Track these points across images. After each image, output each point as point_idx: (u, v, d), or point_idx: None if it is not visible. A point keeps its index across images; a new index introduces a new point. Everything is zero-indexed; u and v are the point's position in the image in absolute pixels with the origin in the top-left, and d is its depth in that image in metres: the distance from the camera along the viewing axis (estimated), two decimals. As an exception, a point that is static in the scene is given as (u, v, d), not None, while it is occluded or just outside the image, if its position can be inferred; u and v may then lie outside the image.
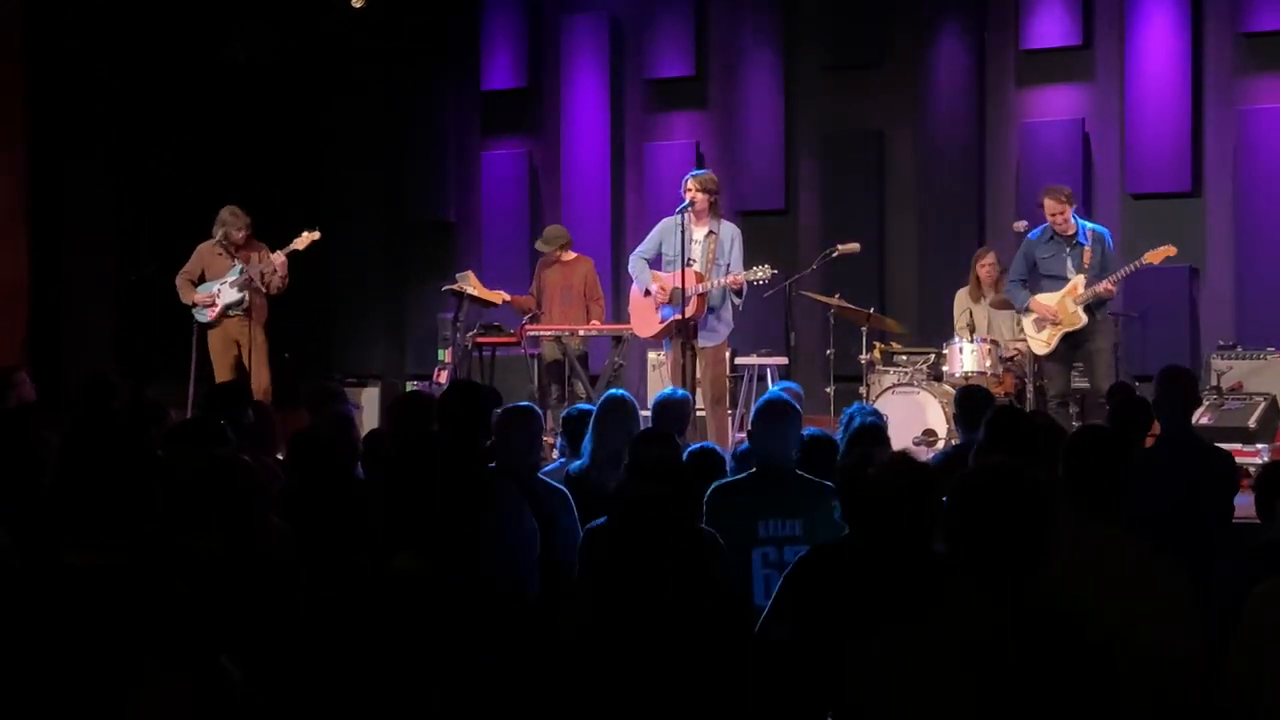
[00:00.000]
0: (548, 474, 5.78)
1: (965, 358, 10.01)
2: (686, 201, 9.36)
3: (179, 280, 10.61)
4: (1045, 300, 9.45)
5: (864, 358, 10.41)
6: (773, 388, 7.43)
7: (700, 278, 9.35)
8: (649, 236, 9.69)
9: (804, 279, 10.65)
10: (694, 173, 9.77)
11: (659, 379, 10.77)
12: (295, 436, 5.46)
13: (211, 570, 3.32)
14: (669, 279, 9.35)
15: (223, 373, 10.41)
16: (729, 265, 9.40)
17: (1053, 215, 9.47)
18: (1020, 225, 10.22)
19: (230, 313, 10.47)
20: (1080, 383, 10.23)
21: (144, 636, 2.81)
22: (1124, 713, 3.02)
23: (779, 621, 3.90)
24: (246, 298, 10.46)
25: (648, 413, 6.65)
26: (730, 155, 12.66)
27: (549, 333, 10.94)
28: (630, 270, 9.79)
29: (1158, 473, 5.79)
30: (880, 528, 3.85)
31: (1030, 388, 9.88)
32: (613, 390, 6.12)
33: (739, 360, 10.89)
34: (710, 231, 9.47)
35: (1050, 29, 11.71)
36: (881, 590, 3.74)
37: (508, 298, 11.49)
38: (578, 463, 5.88)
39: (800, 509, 5.15)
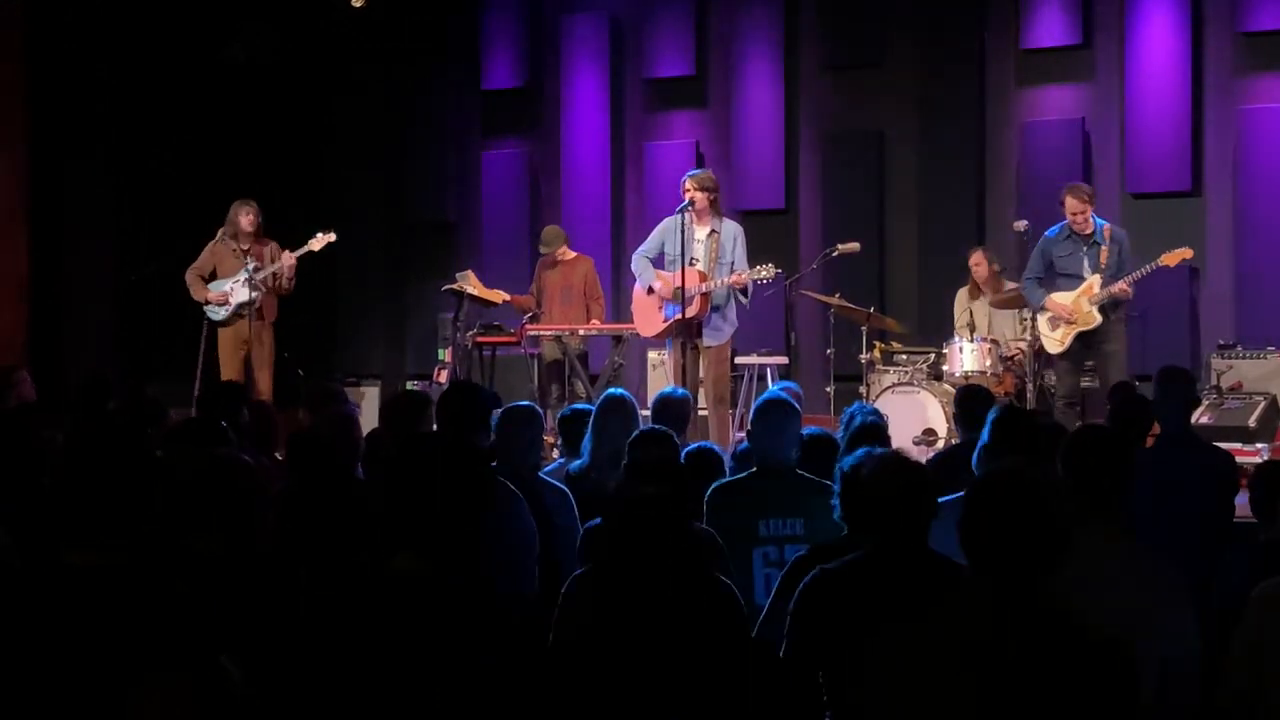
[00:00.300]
0: (548, 474, 5.78)
1: (965, 357, 10.01)
2: (686, 201, 9.37)
3: (189, 276, 10.62)
4: (1060, 299, 9.43)
5: (864, 357, 10.41)
6: (772, 387, 7.43)
7: (703, 277, 9.36)
8: (651, 236, 9.69)
9: (804, 278, 10.67)
10: (691, 172, 9.78)
11: (659, 378, 10.77)
12: (295, 436, 5.46)
13: (211, 570, 3.32)
14: (672, 278, 9.35)
15: (230, 371, 10.43)
16: (733, 264, 9.40)
17: (1073, 214, 9.45)
18: (1020, 225, 10.21)
19: (242, 311, 10.48)
20: (1087, 383, 10.23)
21: (144, 636, 2.81)
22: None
23: (777, 622, 3.90)
24: (258, 296, 10.48)
25: (648, 412, 6.65)
26: (730, 155, 12.66)
27: (549, 332, 10.95)
28: (633, 269, 9.79)
29: (1158, 472, 5.79)
30: (876, 527, 3.85)
31: (1030, 387, 9.88)
32: (612, 390, 6.11)
33: (739, 360, 10.89)
34: (713, 230, 9.47)
35: (1050, 28, 11.72)
36: (880, 589, 3.74)
37: (508, 297, 11.49)
38: (577, 462, 5.88)
39: (801, 508, 5.15)
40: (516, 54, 13.45)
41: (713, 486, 5.28)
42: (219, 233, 10.65)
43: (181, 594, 2.99)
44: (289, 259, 10.52)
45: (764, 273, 9.31)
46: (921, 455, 8.75)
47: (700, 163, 12.50)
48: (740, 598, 3.97)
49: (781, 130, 12.59)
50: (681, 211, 9.33)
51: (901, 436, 8.83)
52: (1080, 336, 9.41)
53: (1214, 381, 9.94)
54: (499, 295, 11.48)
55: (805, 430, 5.74)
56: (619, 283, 12.33)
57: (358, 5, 12.29)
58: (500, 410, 5.64)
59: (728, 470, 5.72)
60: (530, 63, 13.44)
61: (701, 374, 9.48)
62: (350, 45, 13.44)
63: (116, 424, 6.08)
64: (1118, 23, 11.51)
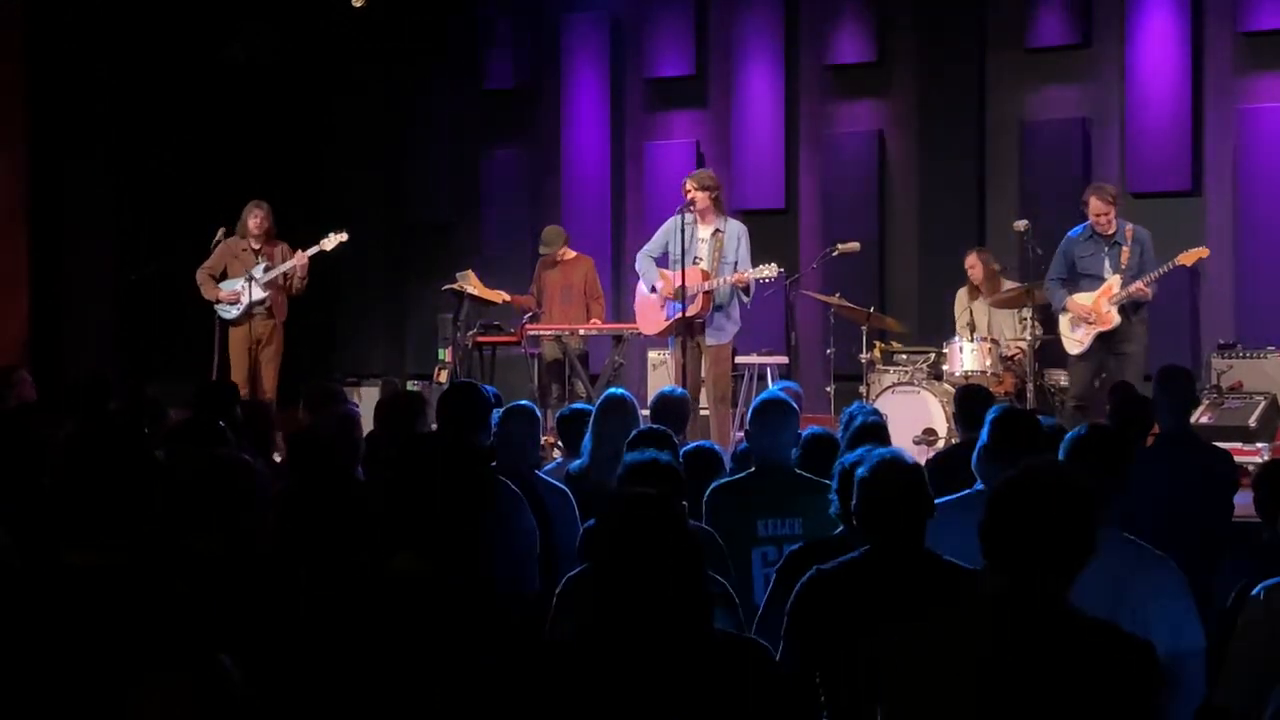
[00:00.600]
0: (547, 474, 5.78)
1: (965, 357, 10.02)
2: (686, 201, 9.39)
3: (200, 275, 10.66)
4: (1081, 300, 9.43)
5: (864, 357, 10.41)
6: (772, 387, 7.43)
7: (706, 275, 9.37)
8: (656, 235, 9.71)
9: (804, 278, 10.67)
10: (691, 174, 9.80)
11: (659, 378, 10.78)
12: (295, 436, 5.45)
13: (211, 570, 3.32)
14: (675, 277, 9.36)
15: (239, 370, 10.50)
16: (736, 263, 9.41)
17: (1097, 215, 9.44)
18: (1020, 225, 10.20)
19: (255, 311, 10.51)
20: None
21: (144, 636, 2.81)
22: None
23: (774, 622, 3.89)
24: (270, 296, 10.52)
25: (648, 412, 6.65)
26: (730, 155, 12.66)
27: (549, 332, 10.95)
28: (637, 268, 9.81)
29: (1157, 472, 5.79)
30: (873, 527, 3.85)
31: (1030, 387, 9.88)
32: (612, 389, 6.11)
33: (739, 359, 10.88)
34: (716, 230, 9.48)
35: (1051, 28, 11.71)
36: (877, 590, 3.74)
37: (508, 297, 11.49)
38: (578, 462, 5.88)
39: (800, 508, 5.15)
40: (516, 54, 13.45)
41: (711, 486, 5.28)
42: (219, 233, 10.66)
43: (181, 594, 2.99)
44: (301, 258, 10.56)
45: (766, 272, 9.32)
46: (921, 455, 8.76)
47: (701, 163, 12.51)
48: (735, 597, 3.98)
49: (781, 130, 12.59)
50: (681, 211, 9.34)
51: (901, 436, 8.83)
52: (1100, 337, 9.41)
53: (1214, 381, 9.94)
54: (499, 295, 11.48)
55: (806, 430, 5.74)
56: (619, 283, 12.33)
57: (358, 5, 12.29)
58: (500, 410, 5.64)
59: (727, 470, 5.72)
60: (530, 63, 13.44)
61: (703, 373, 9.49)
62: (350, 45, 13.44)
63: (116, 424, 6.08)
64: (1118, 23, 11.51)
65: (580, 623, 3.08)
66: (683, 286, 9.22)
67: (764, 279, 9.37)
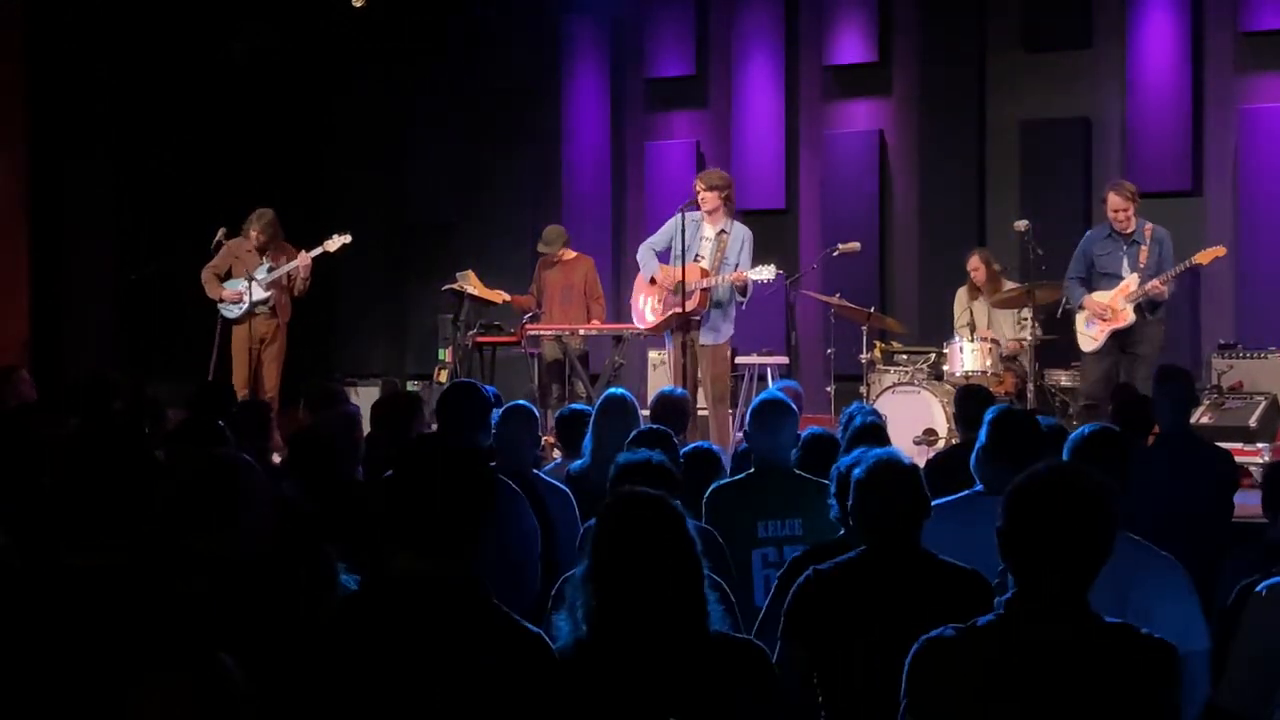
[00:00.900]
0: (547, 474, 5.78)
1: (966, 357, 10.02)
2: (692, 199, 9.42)
3: (205, 275, 10.70)
4: (1098, 297, 9.44)
5: (864, 357, 10.41)
6: (771, 386, 7.43)
7: (706, 273, 9.37)
8: (662, 229, 9.73)
9: (805, 278, 10.67)
10: (701, 173, 9.83)
11: (659, 378, 10.78)
12: (295, 436, 5.45)
13: (211, 570, 3.31)
14: (675, 272, 9.38)
15: (241, 369, 10.55)
16: (737, 265, 9.42)
17: (1115, 211, 9.43)
18: (1021, 225, 10.21)
19: (257, 310, 10.53)
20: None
21: (144, 636, 2.81)
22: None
23: (775, 626, 3.89)
24: (273, 296, 10.55)
25: (648, 412, 6.65)
26: (730, 155, 12.66)
27: (549, 332, 10.94)
28: (638, 258, 9.83)
29: (1157, 472, 5.79)
30: (869, 527, 3.85)
31: (1031, 387, 9.88)
32: (613, 390, 6.11)
33: (740, 359, 10.89)
34: (722, 230, 9.50)
35: (1051, 29, 11.71)
36: (873, 590, 3.74)
37: (508, 297, 11.49)
38: (578, 462, 5.88)
39: (800, 508, 5.15)
40: (516, 54, 13.45)
41: (711, 487, 5.28)
42: (220, 233, 10.68)
43: (181, 594, 2.98)
44: (304, 259, 10.59)
45: (765, 274, 9.32)
46: (922, 455, 8.77)
47: (701, 162, 12.53)
48: (733, 597, 3.97)
49: (782, 130, 12.59)
50: (684, 210, 9.35)
51: (902, 436, 8.84)
52: (1114, 336, 9.41)
53: (1214, 381, 9.94)
54: (499, 295, 11.48)
55: (806, 430, 5.74)
56: (619, 282, 12.33)
57: (358, 5, 12.29)
58: (500, 409, 5.63)
59: (727, 471, 5.71)
60: (530, 63, 13.44)
61: (700, 374, 9.49)
62: (350, 45, 13.45)
63: (117, 424, 6.08)
64: (1119, 23, 11.51)
65: (577, 621, 3.07)
66: (683, 281, 9.24)
67: (762, 280, 9.37)
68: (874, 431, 5.45)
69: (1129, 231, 9.44)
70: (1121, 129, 11.52)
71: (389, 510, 2.99)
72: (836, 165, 12.45)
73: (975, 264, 10.72)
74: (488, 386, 6.74)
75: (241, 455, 3.70)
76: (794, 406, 5.52)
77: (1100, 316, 9.42)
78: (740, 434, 8.72)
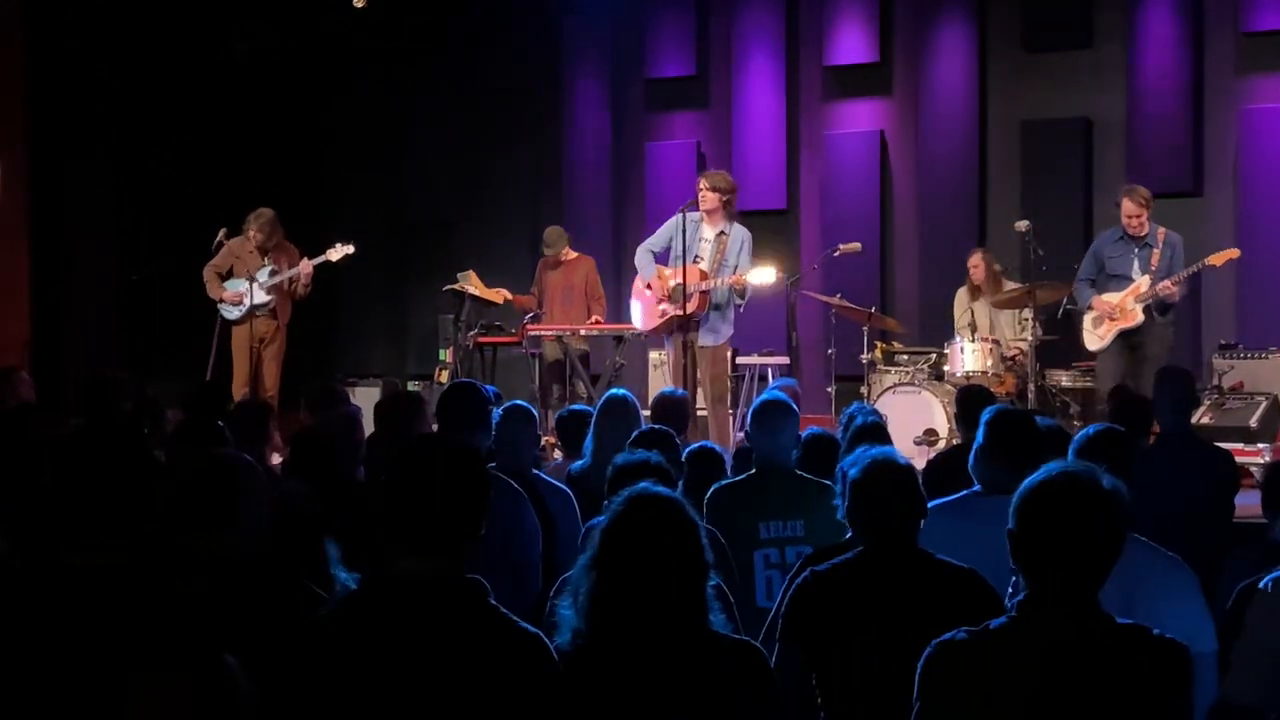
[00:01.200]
0: (548, 474, 5.78)
1: (966, 357, 10.02)
2: (694, 199, 9.41)
3: (207, 273, 10.71)
4: (1108, 297, 9.44)
5: (865, 357, 10.41)
6: (771, 386, 7.43)
7: (705, 275, 9.36)
8: (660, 230, 9.70)
9: (805, 279, 10.67)
10: (707, 172, 9.82)
11: (660, 378, 10.78)
12: (295, 436, 5.45)
13: (211, 570, 3.31)
14: (673, 274, 9.36)
15: (242, 369, 10.57)
16: (736, 267, 9.41)
17: (1129, 217, 9.43)
18: (1021, 225, 10.21)
19: (257, 312, 10.54)
20: (1084, 382, 10.23)
21: (144, 636, 2.80)
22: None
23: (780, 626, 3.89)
24: (273, 299, 10.56)
25: (648, 413, 6.64)
26: (731, 155, 12.66)
27: (550, 332, 10.94)
28: (636, 261, 9.81)
29: (1158, 472, 5.78)
30: (866, 527, 3.85)
31: (1031, 387, 9.88)
32: (614, 390, 6.11)
33: (740, 360, 10.89)
34: (722, 232, 9.49)
35: (1051, 29, 11.71)
36: (870, 590, 3.74)
37: (509, 297, 11.50)
38: (580, 463, 5.88)
39: (801, 509, 5.15)
40: (516, 54, 13.44)
41: (713, 488, 5.28)
42: (221, 233, 10.68)
43: (181, 594, 2.98)
44: (306, 267, 10.63)
45: (765, 277, 9.30)
46: (922, 456, 8.77)
47: (702, 163, 12.53)
48: (731, 596, 3.96)
49: (782, 130, 12.59)
50: (685, 210, 9.34)
51: (903, 437, 8.84)
52: (1122, 335, 9.41)
53: (1215, 381, 9.94)
54: (500, 295, 11.48)
55: (806, 430, 5.73)
56: (620, 283, 12.33)
57: (358, 5, 12.29)
58: (500, 409, 5.63)
59: (728, 470, 5.71)
60: (530, 63, 13.43)
61: (699, 375, 9.48)
62: (350, 45, 13.44)
63: (117, 424, 6.07)
64: (1119, 23, 11.51)
65: (578, 610, 3.07)
66: (683, 285, 9.22)
67: (762, 284, 9.35)
68: (875, 431, 5.44)
69: (1142, 235, 9.45)
70: (1122, 129, 11.51)
71: (387, 510, 2.99)
72: (837, 165, 12.45)
73: (976, 261, 10.72)
74: (488, 386, 6.75)
75: (242, 455, 3.70)
76: (795, 407, 5.52)
77: (1109, 316, 9.42)
78: (741, 434, 8.72)
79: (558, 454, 6.99)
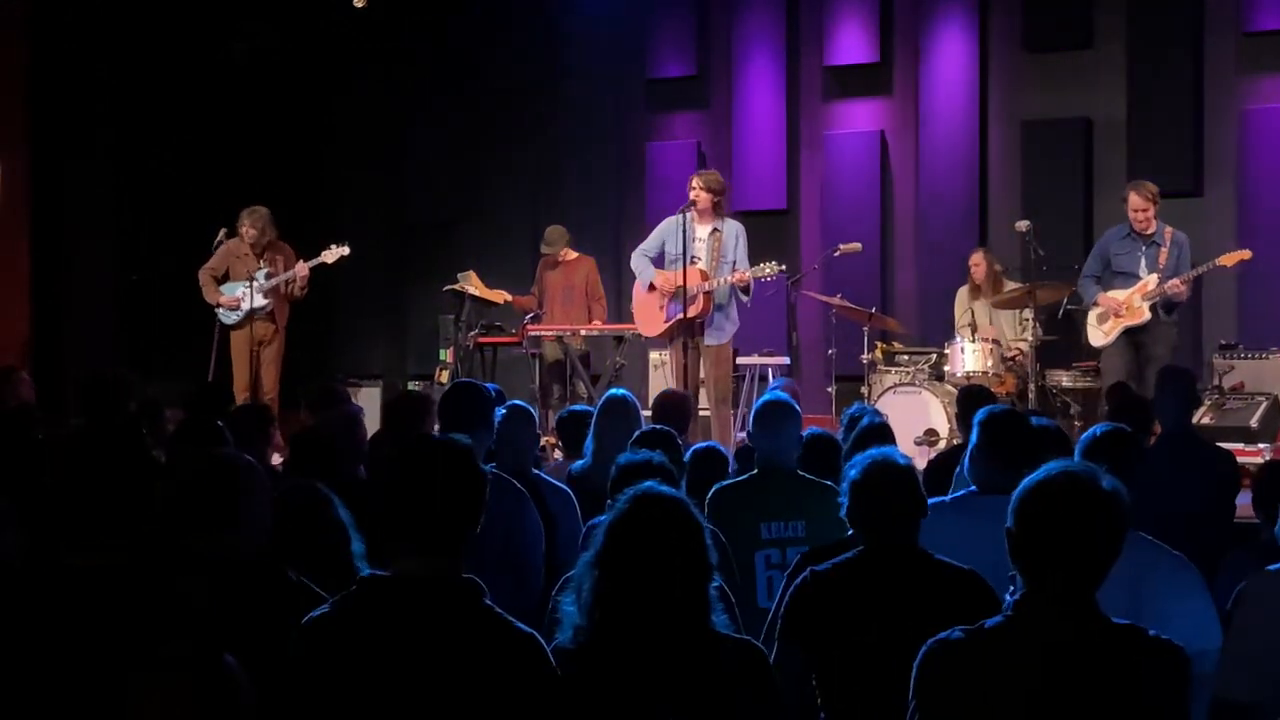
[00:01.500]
0: (549, 474, 5.77)
1: (967, 357, 10.02)
2: (689, 200, 9.38)
3: (202, 276, 10.69)
4: (1114, 294, 9.44)
5: (866, 357, 10.41)
6: (771, 386, 7.43)
7: (705, 276, 9.35)
8: (652, 235, 9.69)
9: (806, 279, 10.67)
10: (699, 171, 9.79)
11: (660, 378, 10.77)
12: (295, 436, 5.44)
13: (211, 570, 3.31)
14: (674, 277, 9.34)
15: (241, 372, 10.57)
16: (734, 263, 9.40)
17: (1135, 211, 9.42)
18: (1022, 225, 10.20)
19: (256, 315, 10.55)
20: (1084, 382, 10.22)
21: (144, 636, 2.80)
22: None
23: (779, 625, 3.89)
24: (270, 303, 10.56)
25: (649, 413, 6.64)
26: (731, 155, 12.66)
27: (551, 333, 10.94)
28: (633, 267, 9.79)
29: (1158, 472, 5.77)
30: (865, 526, 3.85)
31: (1032, 387, 9.88)
32: (614, 390, 6.11)
33: (741, 360, 10.89)
34: (714, 229, 9.47)
35: (1051, 29, 11.71)
36: (869, 590, 3.74)
37: (509, 297, 11.50)
38: (580, 463, 5.87)
39: (803, 510, 5.15)
40: (517, 54, 13.44)
41: (715, 488, 5.27)
42: (221, 233, 10.68)
43: (181, 594, 2.98)
44: (302, 268, 10.62)
45: (767, 270, 9.31)
46: (923, 456, 8.76)
47: (702, 162, 12.52)
48: (732, 595, 3.96)
49: (782, 130, 12.59)
50: (683, 211, 9.33)
51: (903, 437, 8.82)
52: (1127, 333, 9.40)
53: (1216, 382, 9.94)
54: (501, 295, 11.48)
55: (807, 431, 5.73)
56: (620, 283, 12.32)
57: (359, 5, 12.29)
58: (501, 409, 5.63)
59: (731, 470, 5.71)
60: (530, 63, 13.43)
61: (703, 374, 9.47)
62: (350, 45, 13.44)
63: (117, 424, 6.07)
64: (1120, 23, 11.50)
65: (580, 606, 3.06)
66: (683, 288, 9.20)
67: (764, 278, 9.35)
68: (880, 432, 5.44)
69: (1149, 232, 9.43)
70: (1122, 129, 11.51)
71: (386, 510, 2.99)
72: (837, 165, 12.44)
73: (977, 260, 10.72)
74: (490, 384, 6.74)
75: (242, 455, 3.69)
76: (797, 408, 5.51)
77: (1115, 313, 9.41)
78: (742, 435, 8.72)
79: (558, 454, 6.98)
